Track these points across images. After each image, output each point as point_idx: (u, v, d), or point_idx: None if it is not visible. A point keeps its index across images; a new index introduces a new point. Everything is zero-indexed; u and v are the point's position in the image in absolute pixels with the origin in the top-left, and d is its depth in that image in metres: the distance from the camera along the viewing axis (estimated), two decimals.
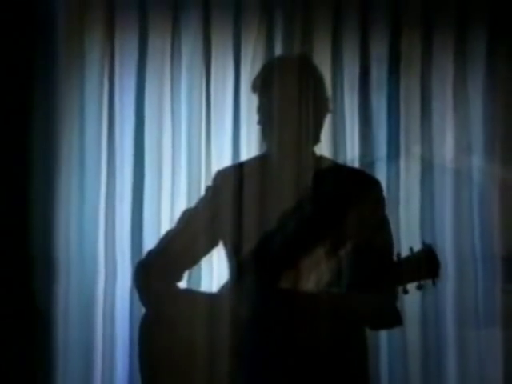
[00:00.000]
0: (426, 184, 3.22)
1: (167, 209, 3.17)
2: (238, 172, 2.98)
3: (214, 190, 2.95)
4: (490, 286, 3.18)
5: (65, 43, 3.19)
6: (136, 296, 2.95)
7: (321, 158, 2.90)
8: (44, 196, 3.08)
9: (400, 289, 2.75)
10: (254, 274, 2.77)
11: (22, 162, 3.03)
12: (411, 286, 2.77)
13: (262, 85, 2.89)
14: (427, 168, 3.23)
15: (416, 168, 3.24)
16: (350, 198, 2.83)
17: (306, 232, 2.80)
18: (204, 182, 3.13)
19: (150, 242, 3.05)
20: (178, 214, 3.05)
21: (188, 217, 2.94)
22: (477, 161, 3.22)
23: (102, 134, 3.24)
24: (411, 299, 2.99)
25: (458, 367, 3.19)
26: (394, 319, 2.82)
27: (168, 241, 2.94)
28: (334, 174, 2.90)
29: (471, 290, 3.18)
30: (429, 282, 2.74)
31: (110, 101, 3.25)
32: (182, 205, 3.10)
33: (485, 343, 3.19)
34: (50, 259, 3.09)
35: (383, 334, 3.09)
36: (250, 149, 3.09)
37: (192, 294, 2.93)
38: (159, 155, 3.23)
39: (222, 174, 2.97)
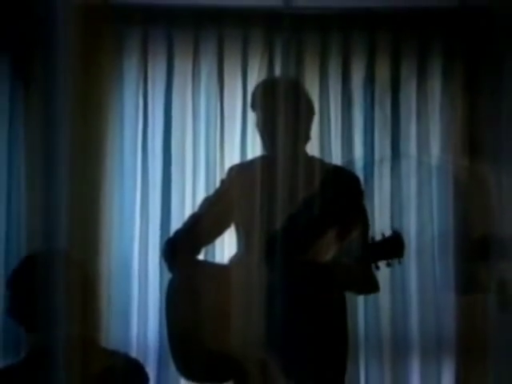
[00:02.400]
0: (395, 178, 3.54)
1: (189, 197, 3.48)
2: (246, 167, 3.19)
3: (227, 182, 3.14)
4: (446, 261, 3.46)
5: (109, 67, 3.48)
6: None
7: (312, 157, 3.08)
8: (93, 184, 3.32)
9: (373, 266, 2.93)
10: (283, 249, 2.92)
11: (77, 157, 3.22)
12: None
13: (255, 103, 3.10)
14: (396, 166, 3.55)
15: (387, 166, 3.55)
16: (341, 190, 3.02)
17: (315, 217, 2.96)
18: (218, 176, 3.41)
19: (176, 223, 3.34)
20: (198, 201, 3.27)
21: (207, 204, 3.16)
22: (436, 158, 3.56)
23: (138, 137, 3.57)
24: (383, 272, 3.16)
25: (420, 323, 3.52)
26: (375, 287, 3.04)
27: (190, 223, 3.13)
28: (326, 171, 3.08)
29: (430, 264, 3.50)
30: (396, 260, 2.94)
31: (144, 112, 3.59)
32: (201, 194, 3.42)
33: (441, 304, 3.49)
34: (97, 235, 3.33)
35: (360, 299, 3.42)
36: (254, 149, 3.38)
37: (210, 264, 3.23)
38: (183, 155, 3.55)
39: (233, 169, 3.17)
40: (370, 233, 3.08)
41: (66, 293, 2.75)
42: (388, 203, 3.54)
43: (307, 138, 3.05)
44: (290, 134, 3.01)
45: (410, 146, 3.59)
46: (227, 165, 3.39)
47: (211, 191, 3.29)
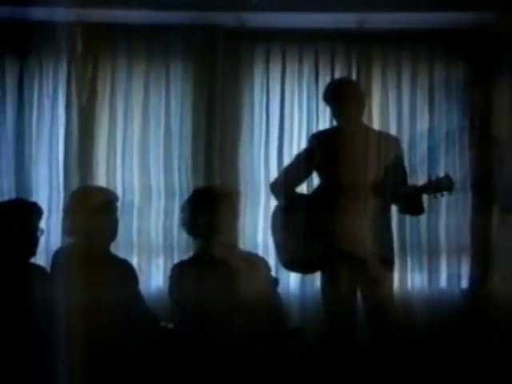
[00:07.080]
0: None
1: (287, 145, 4.51)
2: (324, 133, 4.18)
3: (310, 143, 4.09)
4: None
5: (236, 72, 4.58)
6: None
7: (366, 125, 4.03)
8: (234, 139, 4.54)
9: (432, 196, 3.90)
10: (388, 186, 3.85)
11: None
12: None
13: (327, 98, 4.07)
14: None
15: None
16: (389, 146, 3.98)
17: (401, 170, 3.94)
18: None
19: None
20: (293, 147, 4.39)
21: (298, 157, 4.12)
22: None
23: (263, 121, 4.63)
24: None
25: (446, 231, 4.48)
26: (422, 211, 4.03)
27: (287, 169, 4.11)
28: (377, 133, 4.03)
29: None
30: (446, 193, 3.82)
31: (267, 102, 4.62)
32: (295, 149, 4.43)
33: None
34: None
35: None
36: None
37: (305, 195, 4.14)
38: (291, 130, 4.56)
39: (315, 135, 4.16)
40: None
41: (217, 213, 3.47)
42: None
43: (362, 112, 3.98)
44: (351, 112, 3.96)
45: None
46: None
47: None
